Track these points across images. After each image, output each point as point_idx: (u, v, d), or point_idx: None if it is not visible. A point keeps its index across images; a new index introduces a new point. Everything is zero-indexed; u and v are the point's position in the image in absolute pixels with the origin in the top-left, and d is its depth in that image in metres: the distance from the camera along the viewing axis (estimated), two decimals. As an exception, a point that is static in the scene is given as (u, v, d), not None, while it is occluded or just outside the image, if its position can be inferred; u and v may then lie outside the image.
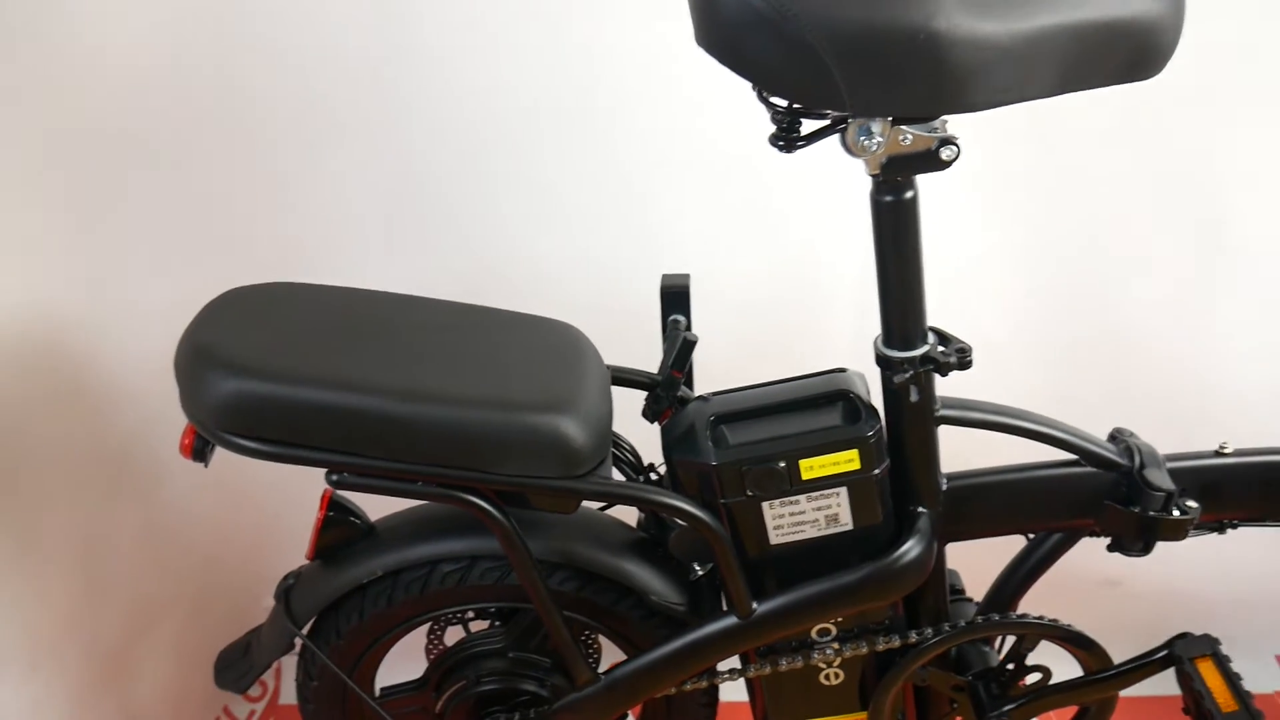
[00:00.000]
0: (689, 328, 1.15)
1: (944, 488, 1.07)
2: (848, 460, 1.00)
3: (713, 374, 1.16)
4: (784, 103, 0.85)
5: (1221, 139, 1.39)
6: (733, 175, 1.39)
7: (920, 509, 1.06)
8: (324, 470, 0.95)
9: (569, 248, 1.41)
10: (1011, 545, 1.17)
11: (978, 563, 1.22)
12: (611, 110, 1.35)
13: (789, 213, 1.42)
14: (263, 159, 1.35)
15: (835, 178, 1.38)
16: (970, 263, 1.42)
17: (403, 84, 1.33)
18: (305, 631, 1.12)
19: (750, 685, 1.19)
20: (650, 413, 1.11)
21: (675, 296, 1.16)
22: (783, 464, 1.00)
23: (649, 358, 1.14)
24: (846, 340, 1.45)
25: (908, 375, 0.98)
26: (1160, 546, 1.09)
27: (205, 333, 0.95)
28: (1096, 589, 1.66)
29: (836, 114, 0.85)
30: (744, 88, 0.92)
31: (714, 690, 1.19)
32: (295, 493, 1.41)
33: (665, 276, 1.17)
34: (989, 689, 1.15)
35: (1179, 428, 1.20)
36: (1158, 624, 1.32)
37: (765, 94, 0.85)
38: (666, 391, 1.10)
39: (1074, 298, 1.46)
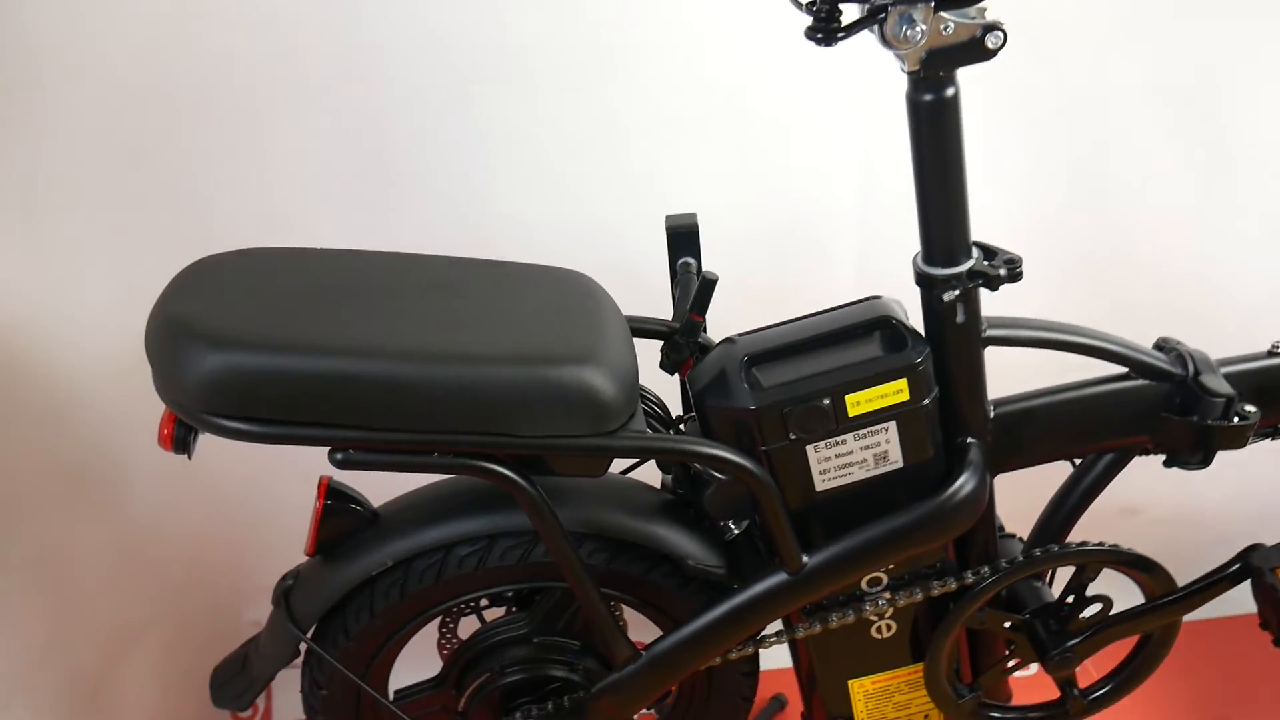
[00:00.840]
0: (700, 270, 1.07)
1: (991, 415, 1.00)
2: (896, 392, 0.93)
3: (716, 320, 1.07)
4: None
5: (1224, 53, 1.34)
6: (722, 111, 1.30)
7: (969, 440, 0.99)
8: (325, 451, 0.85)
9: (553, 198, 1.32)
10: (1036, 482, 1.11)
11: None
12: (592, 45, 1.25)
13: (782, 149, 1.34)
14: (218, 124, 1.23)
15: (831, 109, 1.31)
16: (977, 185, 1.35)
17: (368, 25, 1.22)
18: (310, 636, 1.02)
19: (794, 648, 1.11)
20: (670, 363, 1.03)
21: (683, 237, 1.08)
22: (827, 401, 0.92)
23: (652, 310, 1.05)
24: (850, 276, 1.38)
25: (956, 293, 0.90)
26: (1174, 471, 1.04)
27: (179, 304, 0.84)
28: (1116, 519, 1.61)
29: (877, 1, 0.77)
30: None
31: (755, 658, 1.11)
32: (278, 492, 1.30)
33: (670, 217, 1.09)
34: (1048, 626, 1.09)
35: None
36: (1183, 548, 1.28)
37: None
38: (687, 338, 1.02)
39: (1082, 217, 1.40)
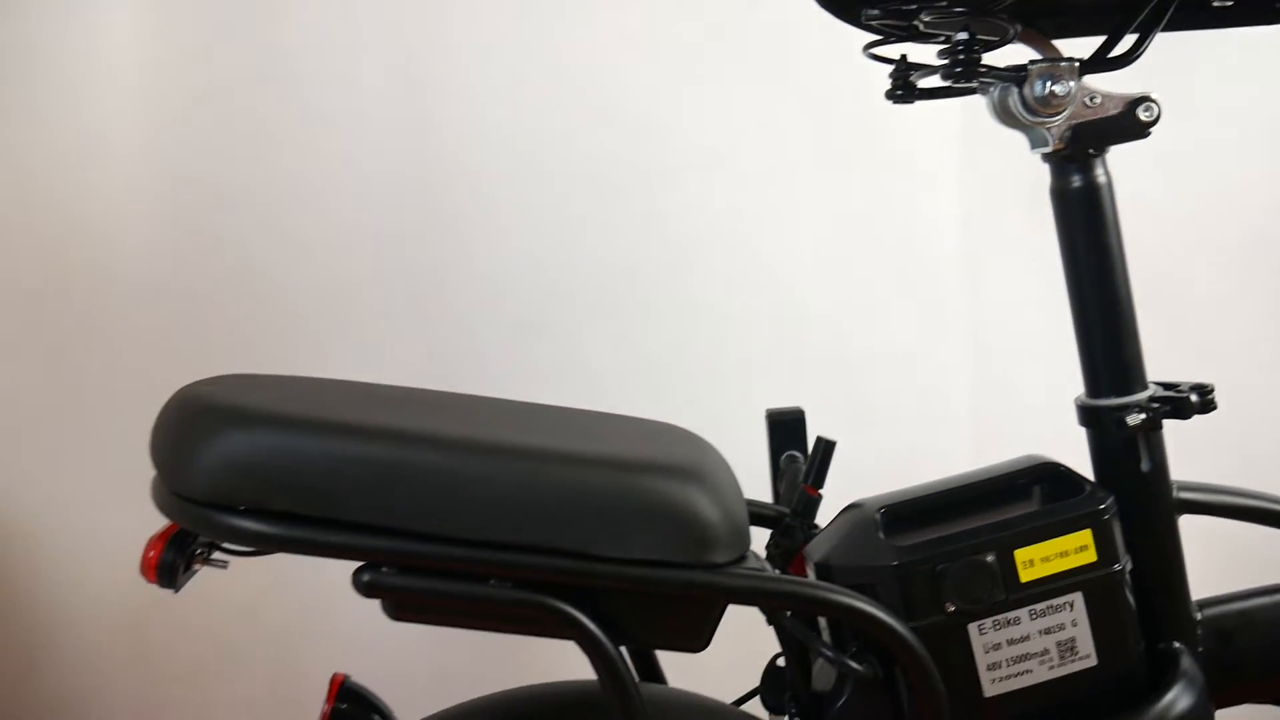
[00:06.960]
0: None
1: (1199, 617, 0.78)
2: (1079, 548, 0.73)
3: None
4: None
5: None
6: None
7: (1175, 645, 0.76)
8: (351, 572, 0.66)
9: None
10: None
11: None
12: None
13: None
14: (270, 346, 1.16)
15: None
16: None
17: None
18: None
19: None
20: (779, 553, 0.84)
21: (788, 428, 0.94)
22: (991, 558, 0.72)
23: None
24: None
25: (1141, 417, 0.73)
26: None
27: (200, 388, 0.71)
28: None
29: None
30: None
31: None
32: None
33: (772, 410, 0.95)
34: None
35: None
36: None
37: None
38: (801, 519, 0.83)
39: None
